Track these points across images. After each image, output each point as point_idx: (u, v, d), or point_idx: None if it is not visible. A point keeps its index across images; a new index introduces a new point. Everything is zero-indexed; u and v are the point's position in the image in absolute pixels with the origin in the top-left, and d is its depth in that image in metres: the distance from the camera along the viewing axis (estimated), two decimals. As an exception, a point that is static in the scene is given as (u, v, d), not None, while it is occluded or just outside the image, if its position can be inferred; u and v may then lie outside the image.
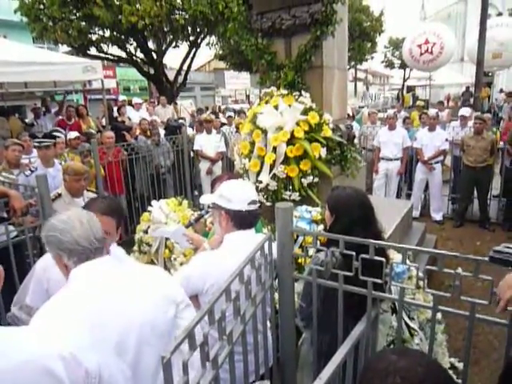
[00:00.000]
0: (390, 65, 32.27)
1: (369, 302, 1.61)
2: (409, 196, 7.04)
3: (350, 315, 1.72)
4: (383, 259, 1.55)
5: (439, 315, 2.63)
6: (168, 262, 3.41)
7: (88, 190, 3.75)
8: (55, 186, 3.74)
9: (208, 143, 6.97)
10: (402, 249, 1.51)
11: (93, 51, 12.98)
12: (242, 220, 1.88)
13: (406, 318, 2.60)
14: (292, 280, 1.78)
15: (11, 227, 2.86)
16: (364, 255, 1.53)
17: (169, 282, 1.53)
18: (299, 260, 2.57)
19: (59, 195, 3.48)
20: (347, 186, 2.06)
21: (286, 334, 1.86)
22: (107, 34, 12.48)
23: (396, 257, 2.78)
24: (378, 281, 1.57)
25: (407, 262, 1.54)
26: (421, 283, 2.61)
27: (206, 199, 2.06)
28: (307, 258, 1.80)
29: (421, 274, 1.50)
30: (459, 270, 1.39)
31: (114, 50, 13.82)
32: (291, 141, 3.54)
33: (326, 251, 1.68)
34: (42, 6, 11.19)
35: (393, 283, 1.58)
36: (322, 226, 3.01)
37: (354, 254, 1.54)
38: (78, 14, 11.34)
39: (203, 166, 7.07)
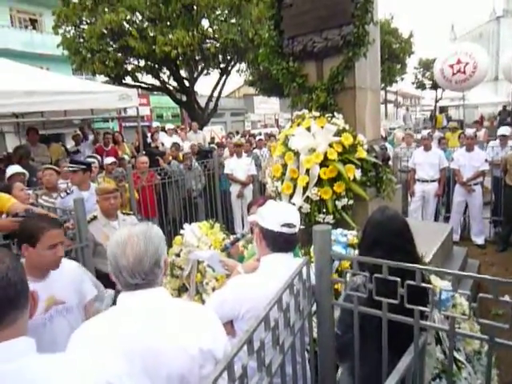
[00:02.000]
0: (421, 86, 31.94)
1: (416, 332, 1.49)
2: (447, 219, 6.75)
3: (391, 346, 1.61)
4: (430, 286, 1.45)
5: (487, 346, 2.44)
6: (200, 286, 3.37)
7: (124, 213, 3.79)
8: (89, 209, 3.81)
9: (239, 167, 7.01)
10: (452, 275, 1.40)
11: (128, 80, 13.58)
12: (273, 241, 1.83)
13: (452, 350, 2.42)
14: (331, 307, 1.69)
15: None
16: (410, 281, 1.43)
17: (216, 336, 1.35)
18: (335, 286, 2.47)
19: (95, 217, 3.54)
20: (388, 209, 1.96)
21: (326, 364, 1.76)
22: (142, 63, 13.06)
23: (437, 283, 2.63)
24: (426, 309, 1.46)
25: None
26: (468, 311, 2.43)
27: (252, 216, 2.09)
28: (343, 284, 1.72)
29: (474, 304, 1.38)
30: (506, 298, 1.28)
31: (148, 79, 14.40)
32: (324, 162, 3.48)
33: (363, 275, 1.60)
34: (81, 40, 11.88)
35: (442, 312, 1.47)
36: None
37: (398, 279, 1.45)
38: (114, 46, 11.95)
39: (234, 189, 7.09)
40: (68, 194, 4.37)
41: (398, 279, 1.45)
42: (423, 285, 1.43)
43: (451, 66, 12.57)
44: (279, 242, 1.83)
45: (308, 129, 3.65)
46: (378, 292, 1.52)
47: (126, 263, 1.27)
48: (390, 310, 1.51)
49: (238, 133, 15.15)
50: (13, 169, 4.65)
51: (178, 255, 3.57)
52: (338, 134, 3.56)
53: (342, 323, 1.83)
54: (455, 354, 2.43)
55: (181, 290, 3.57)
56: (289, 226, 1.82)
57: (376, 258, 1.56)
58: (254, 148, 8.59)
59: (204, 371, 1.26)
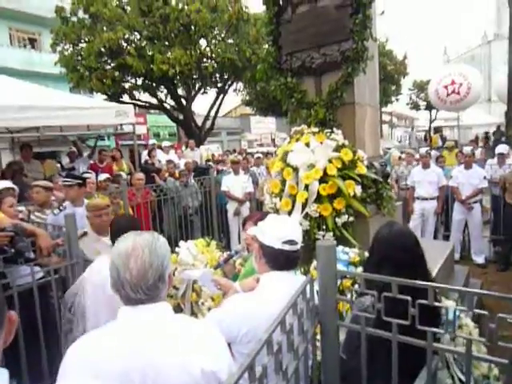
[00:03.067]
0: (416, 107, 32.35)
1: (429, 355, 1.38)
2: (446, 237, 6.67)
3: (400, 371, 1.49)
4: (444, 305, 1.35)
5: (496, 370, 2.33)
6: (195, 306, 3.24)
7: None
8: (82, 225, 3.69)
9: (236, 184, 6.92)
10: (468, 293, 1.30)
11: (125, 98, 13.61)
12: (273, 259, 1.73)
13: (460, 374, 2.30)
14: (337, 328, 1.58)
15: (37, 268, 2.78)
16: (422, 301, 1.33)
17: (220, 356, 1.26)
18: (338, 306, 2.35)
19: (85, 233, 3.41)
20: (396, 224, 1.87)
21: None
22: (139, 81, 13.13)
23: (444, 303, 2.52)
24: (440, 331, 1.36)
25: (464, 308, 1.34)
26: (475, 331, 2.31)
27: (251, 230, 1.97)
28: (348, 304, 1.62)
29: (492, 325, 1.28)
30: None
31: (146, 97, 14.45)
32: (324, 178, 3.41)
33: (370, 295, 1.49)
34: (79, 58, 11.94)
35: (457, 334, 1.37)
36: (360, 269, 2.79)
37: (409, 298, 1.35)
38: (112, 64, 12.01)
39: (231, 206, 6.99)
40: (61, 210, 4.25)
41: (409, 298, 1.35)
42: (437, 304, 1.33)
43: (446, 87, 12.72)
44: (280, 260, 1.73)
45: (307, 144, 3.58)
46: (386, 312, 1.42)
47: (128, 277, 1.18)
48: (398, 331, 1.41)
49: (234, 151, 15.14)
50: (2, 184, 4.52)
51: (172, 274, 3.44)
52: (337, 149, 3.50)
53: (347, 347, 1.72)
54: (462, 377, 2.30)
55: (175, 311, 3.43)
56: (291, 242, 1.72)
57: (384, 275, 1.46)
58: (251, 166, 8.53)
59: None
